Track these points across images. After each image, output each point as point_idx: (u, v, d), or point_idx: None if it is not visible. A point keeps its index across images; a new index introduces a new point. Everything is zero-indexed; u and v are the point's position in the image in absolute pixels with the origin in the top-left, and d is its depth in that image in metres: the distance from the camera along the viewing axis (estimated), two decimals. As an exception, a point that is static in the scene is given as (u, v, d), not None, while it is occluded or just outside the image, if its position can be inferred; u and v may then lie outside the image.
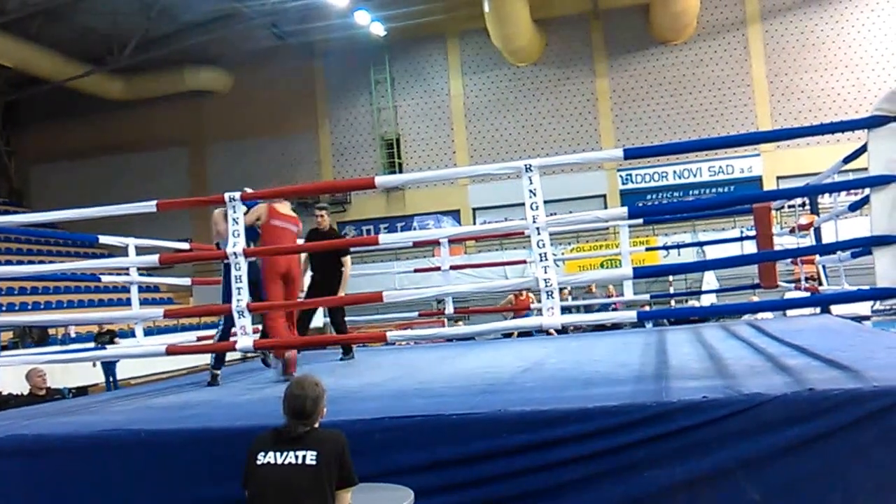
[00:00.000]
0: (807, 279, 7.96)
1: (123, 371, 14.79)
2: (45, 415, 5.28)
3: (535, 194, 4.50)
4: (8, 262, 16.40)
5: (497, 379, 5.12)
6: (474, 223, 22.65)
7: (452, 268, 10.09)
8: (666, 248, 16.15)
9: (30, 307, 17.51)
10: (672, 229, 20.01)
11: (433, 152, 24.42)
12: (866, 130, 4.22)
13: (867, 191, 4.40)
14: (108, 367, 14.49)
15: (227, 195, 4.98)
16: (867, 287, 4.71)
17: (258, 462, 3.04)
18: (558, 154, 21.80)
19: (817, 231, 7.85)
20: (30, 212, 21.08)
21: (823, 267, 8.07)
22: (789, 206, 10.25)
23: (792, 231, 8.43)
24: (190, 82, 24.54)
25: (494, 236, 17.19)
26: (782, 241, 9.12)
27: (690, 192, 22.63)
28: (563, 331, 8.18)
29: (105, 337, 14.95)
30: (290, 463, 2.99)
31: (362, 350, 8.99)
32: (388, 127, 24.69)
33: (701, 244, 15.78)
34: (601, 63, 23.54)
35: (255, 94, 24.82)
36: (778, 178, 21.81)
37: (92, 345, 14.48)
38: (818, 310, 8.28)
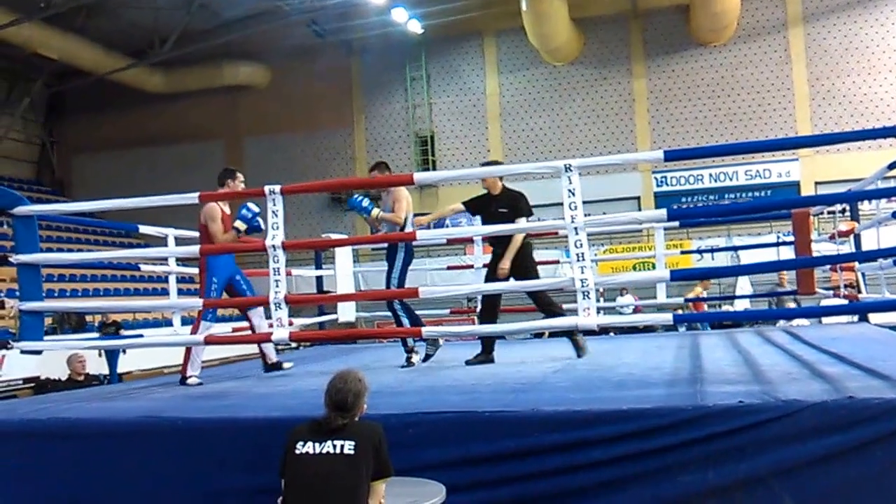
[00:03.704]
0: (845, 286, 7.82)
1: (154, 361, 14.96)
2: (85, 399, 5.40)
3: (573, 194, 4.50)
4: (48, 250, 16.72)
5: (529, 378, 5.12)
6: (506, 222, 22.53)
7: (485, 266, 10.04)
8: (700, 251, 15.96)
9: (68, 294, 17.88)
10: (706, 233, 19.75)
11: (467, 150, 24.41)
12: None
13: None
14: (112, 357, 14.60)
15: (266, 188, 5.04)
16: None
17: (297, 451, 3.08)
18: (593, 154, 21.78)
19: (857, 238, 7.73)
20: (70, 201, 21.53)
21: (863, 274, 7.94)
22: (828, 212, 10.10)
23: (831, 237, 8.29)
24: (228, 77, 24.83)
25: (528, 236, 17.05)
26: (820, 248, 8.97)
27: (726, 196, 22.28)
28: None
29: (111, 328, 15.02)
30: (328, 452, 3.04)
31: (394, 345, 9.00)
32: (423, 124, 24.73)
33: (736, 248, 15.57)
34: (639, 63, 23.29)
35: (292, 89, 24.99)
36: (816, 183, 21.42)
37: (135, 332, 14.64)
38: (855, 318, 8.15)
